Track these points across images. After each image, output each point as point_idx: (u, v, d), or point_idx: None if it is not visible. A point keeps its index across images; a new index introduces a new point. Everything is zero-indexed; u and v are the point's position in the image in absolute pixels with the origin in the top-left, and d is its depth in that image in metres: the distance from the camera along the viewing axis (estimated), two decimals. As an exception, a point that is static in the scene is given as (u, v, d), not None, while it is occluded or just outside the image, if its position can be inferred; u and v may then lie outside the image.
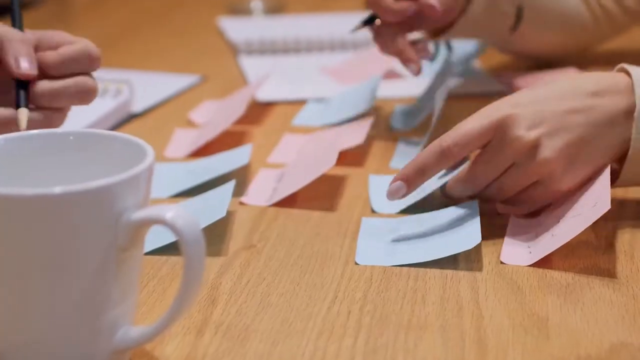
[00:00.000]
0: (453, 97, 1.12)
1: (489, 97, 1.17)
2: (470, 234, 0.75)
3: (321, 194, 0.89)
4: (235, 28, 1.54)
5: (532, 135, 0.77)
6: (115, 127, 1.09)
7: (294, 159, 0.94)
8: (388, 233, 0.79)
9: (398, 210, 0.84)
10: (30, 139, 0.62)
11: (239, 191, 0.89)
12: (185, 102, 1.19)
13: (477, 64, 1.30)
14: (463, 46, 1.29)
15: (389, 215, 0.84)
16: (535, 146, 0.77)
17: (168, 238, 0.75)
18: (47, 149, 0.62)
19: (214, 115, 1.11)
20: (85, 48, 0.81)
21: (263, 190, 0.89)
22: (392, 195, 0.80)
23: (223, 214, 0.77)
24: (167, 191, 0.89)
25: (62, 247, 0.54)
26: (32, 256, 0.54)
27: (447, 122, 1.08)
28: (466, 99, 1.16)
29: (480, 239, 0.74)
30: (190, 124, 1.11)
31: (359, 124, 0.95)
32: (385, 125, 1.09)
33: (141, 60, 1.41)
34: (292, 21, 1.58)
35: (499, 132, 0.78)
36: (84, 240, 0.54)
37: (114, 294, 0.57)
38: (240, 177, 0.92)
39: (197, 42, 1.54)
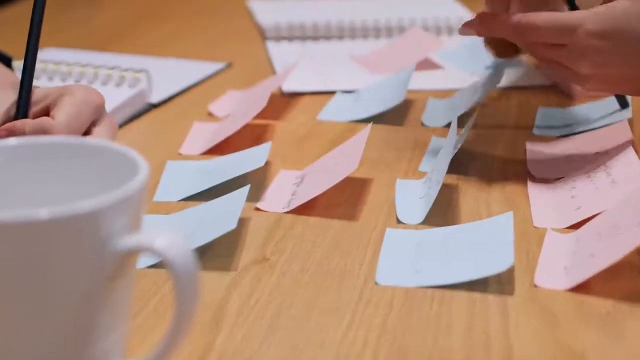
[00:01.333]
0: (494, 90, 1.05)
1: (532, 89, 1.12)
2: (502, 254, 0.69)
3: (343, 200, 0.82)
4: (264, 10, 1.48)
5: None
6: (131, 118, 1.03)
7: (316, 162, 0.88)
8: (413, 247, 0.73)
9: (423, 218, 0.77)
10: (12, 148, 0.57)
11: (255, 195, 0.83)
12: (207, 92, 1.13)
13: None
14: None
15: (415, 227, 0.77)
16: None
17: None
18: (29, 158, 0.56)
19: (234, 108, 1.04)
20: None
21: (281, 194, 0.83)
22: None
23: (233, 225, 0.71)
24: (178, 194, 0.84)
25: (40, 277, 0.48)
26: (8, 286, 0.48)
27: (485, 119, 1.02)
28: (508, 93, 1.09)
29: (513, 260, 0.68)
30: (210, 116, 1.05)
31: (352, 143, 0.86)
32: (416, 120, 1.03)
33: (164, 44, 1.35)
34: (324, 4, 1.51)
35: None
36: (65, 269, 0.49)
37: (101, 326, 0.51)
38: (259, 178, 0.86)
39: (224, 24, 1.48)
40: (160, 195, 0.84)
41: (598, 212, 0.75)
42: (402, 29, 1.33)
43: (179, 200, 0.83)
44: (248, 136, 0.97)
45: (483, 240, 0.72)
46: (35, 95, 0.77)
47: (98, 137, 0.74)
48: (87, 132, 0.75)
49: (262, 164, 0.84)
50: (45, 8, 0.81)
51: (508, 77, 1.14)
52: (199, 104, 1.08)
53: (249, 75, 1.19)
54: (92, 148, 0.56)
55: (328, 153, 0.88)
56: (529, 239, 0.75)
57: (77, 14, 1.54)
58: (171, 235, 0.49)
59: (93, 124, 0.76)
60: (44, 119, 0.73)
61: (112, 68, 1.08)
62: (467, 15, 1.35)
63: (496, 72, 1.01)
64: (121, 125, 1.01)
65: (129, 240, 0.49)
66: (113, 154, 0.54)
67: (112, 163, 0.54)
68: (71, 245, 0.48)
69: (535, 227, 0.77)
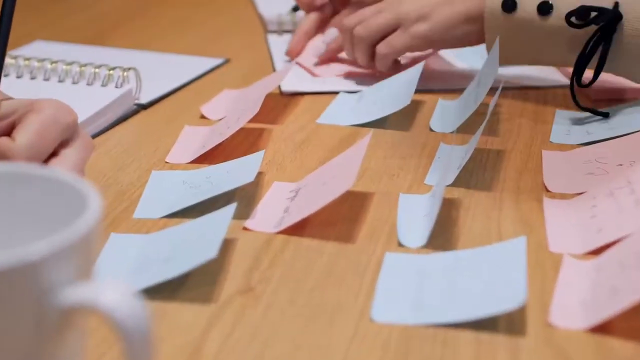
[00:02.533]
0: (506, 90, 0.97)
1: (549, 90, 1.04)
2: (514, 289, 0.61)
3: (340, 218, 0.75)
4: (267, 1, 1.40)
5: None
6: (118, 121, 0.96)
7: (312, 174, 0.80)
8: (414, 276, 0.66)
9: (426, 240, 0.70)
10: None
11: (245, 210, 0.76)
12: (201, 91, 1.06)
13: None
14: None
15: (417, 251, 0.70)
16: None
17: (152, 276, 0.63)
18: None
19: (228, 110, 0.97)
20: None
21: (273, 210, 0.76)
22: None
23: (213, 254, 0.64)
24: (160, 210, 0.76)
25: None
26: None
27: (498, 124, 0.94)
28: (524, 94, 1.02)
29: (526, 296, 0.60)
30: (203, 118, 0.98)
31: (351, 154, 0.78)
32: (424, 125, 0.95)
33: (162, 36, 1.29)
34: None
35: None
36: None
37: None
38: (250, 190, 0.79)
39: (226, 14, 1.41)
40: (141, 211, 0.77)
41: (621, 236, 0.68)
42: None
43: (161, 217, 0.76)
44: (242, 141, 0.90)
45: (493, 270, 0.65)
46: (3, 108, 0.69)
47: (65, 160, 0.67)
48: (55, 154, 0.68)
49: (252, 178, 0.76)
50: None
51: (523, 77, 1.07)
52: (192, 104, 1.01)
53: (248, 72, 1.12)
54: (36, 178, 0.48)
55: (325, 164, 0.80)
56: (544, 267, 0.67)
57: (73, 3, 1.46)
58: (121, 289, 0.41)
59: (62, 144, 0.68)
60: (3, 140, 0.66)
61: (99, 66, 1.01)
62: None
63: (489, 60, 0.93)
64: (106, 129, 0.94)
65: (70, 295, 0.42)
66: (60, 186, 0.47)
67: (58, 197, 0.46)
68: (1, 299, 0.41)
69: (551, 252, 0.69)
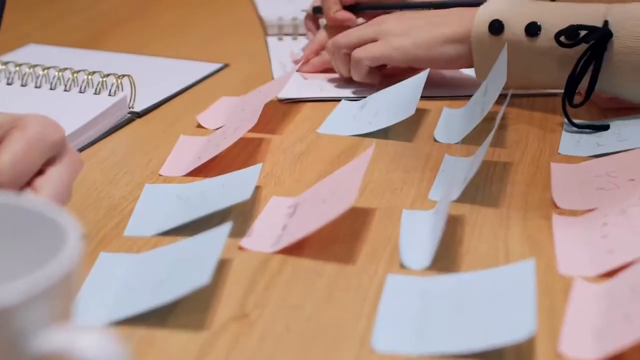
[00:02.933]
0: (513, 97, 0.94)
1: (558, 97, 1.01)
2: (522, 317, 0.58)
3: (340, 236, 0.72)
4: (267, 2, 1.37)
5: None
6: (111, 131, 0.93)
7: (311, 189, 0.77)
8: (417, 301, 0.63)
9: (430, 261, 0.67)
10: None
11: (241, 227, 0.73)
12: (198, 97, 1.03)
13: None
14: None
15: (422, 273, 0.67)
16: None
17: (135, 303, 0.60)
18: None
19: (225, 119, 0.94)
20: None
21: (270, 227, 0.73)
22: None
23: (206, 280, 0.61)
24: (153, 227, 0.73)
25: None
26: None
27: (504, 134, 0.91)
28: (532, 101, 0.99)
29: (535, 325, 0.57)
30: (199, 127, 0.94)
31: (352, 170, 0.75)
32: (428, 135, 0.92)
33: (160, 38, 1.26)
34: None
35: None
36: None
37: None
38: (247, 205, 0.75)
39: (225, 15, 1.38)
40: (132, 228, 0.74)
41: (633, 259, 0.65)
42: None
43: (153, 235, 0.72)
44: (239, 153, 0.87)
45: (500, 295, 0.61)
46: None
47: (51, 179, 0.63)
48: (41, 172, 0.64)
49: (248, 196, 0.73)
50: None
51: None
52: (189, 111, 0.98)
53: (247, 78, 1.09)
54: (11, 209, 0.45)
55: (325, 179, 0.77)
56: (553, 291, 0.64)
57: (69, 4, 1.43)
58: (100, 334, 0.38)
59: (49, 162, 0.65)
60: None
61: (92, 73, 0.97)
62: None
63: (497, 67, 0.90)
64: (99, 139, 0.90)
65: (45, 341, 0.38)
66: (38, 218, 0.43)
67: (36, 231, 0.43)
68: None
69: (560, 274, 0.66)
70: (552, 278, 0.66)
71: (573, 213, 0.75)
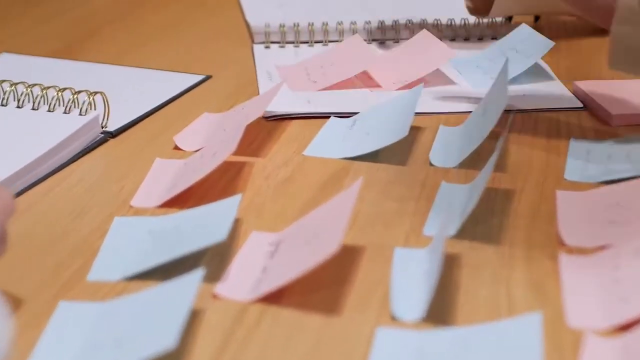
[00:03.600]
0: (519, 113, 0.88)
1: (562, 113, 0.94)
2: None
3: (326, 280, 0.65)
4: (256, 5, 1.29)
5: None
6: (82, 153, 0.86)
7: (295, 224, 0.70)
8: (410, 358, 0.56)
9: (424, 311, 0.60)
10: None
11: (216, 270, 0.66)
12: (178, 114, 0.96)
13: (544, 67, 1.05)
14: (525, 39, 1.03)
15: (415, 325, 0.60)
16: None
17: None
18: None
19: (205, 140, 0.87)
20: None
21: (249, 270, 0.66)
22: None
23: (171, 344, 0.54)
24: (120, 270, 0.67)
25: None
26: None
27: (505, 157, 0.84)
28: (534, 117, 0.92)
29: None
30: (177, 149, 0.88)
31: (337, 205, 0.68)
32: (423, 158, 0.85)
33: (137, 46, 1.18)
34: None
35: None
36: None
37: None
38: (223, 245, 0.68)
39: (211, 21, 1.30)
40: (97, 272, 0.67)
41: (652, 309, 0.58)
42: (412, 31, 1.15)
43: (121, 280, 0.66)
44: (218, 179, 0.80)
45: (503, 354, 0.55)
46: None
47: None
48: None
49: (223, 236, 0.66)
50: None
51: (534, 98, 0.96)
52: (167, 130, 0.91)
53: (232, 91, 1.02)
54: None
55: (310, 214, 0.70)
56: (562, 347, 0.58)
57: (46, 9, 1.36)
58: None
59: None
60: None
61: (63, 89, 0.90)
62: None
63: (497, 84, 0.83)
64: (68, 163, 0.84)
65: None
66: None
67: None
68: None
69: (569, 327, 0.59)
70: (561, 331, 0.59)
71: (582, 251, 0.68)
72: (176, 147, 0.88)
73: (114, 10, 1.34)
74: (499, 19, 1.17)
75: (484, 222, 0.73)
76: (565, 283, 0.64)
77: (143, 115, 0.94)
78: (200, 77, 1.04)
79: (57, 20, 1.30)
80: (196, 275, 0.60)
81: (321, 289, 0.64)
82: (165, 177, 0.81)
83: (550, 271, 0.66)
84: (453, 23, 1.16)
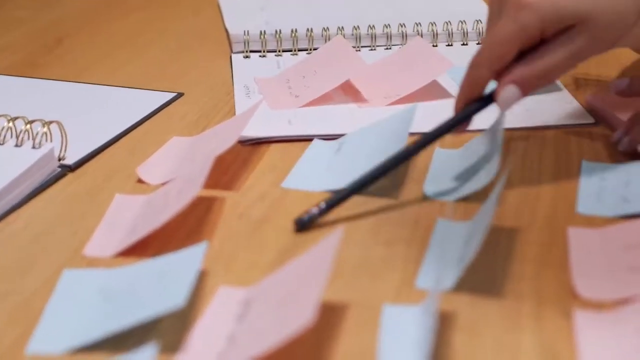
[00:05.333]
0: (520, 132, 0.81)
1: (571, 130, 0.85)
2: None
3: (304, 351, 0.56)
4: (237, 8, 1.20)
5: None
6: (36, 191, 0.76)
7: (268, 280, 0.61)
8: None
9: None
10: None
11: (175, 340, 0.56)
12: (144, 139, 0.87)
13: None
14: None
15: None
16: None
17: None
18: None
19: (171, 172, 0.78)
20: None
21: (212, 341, 0.57)
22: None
23: None
24: (64, 340, 0.58)
25: None
26: None
27: (511, 183, 0.74)
28: (541, 135, 0.82)
29: None
30: (140, 182, 0.78)
31: (313, 264, 0.58)
32: (416, 189, 0.75)
33: (104, 57, 1.09)
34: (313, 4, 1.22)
35: None
36: None
37: None
38: (185, 307, 0.59)
39: (187, 26, 1.20)
40: (37, 343, 0.58)
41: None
42: (405, 36, 1.06)
43: (65, 353, 0.57)
44: (185, 218, 0.71)
45: None
46: None
47: None
48: None
49: (181, 302, 0.57)
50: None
51: (539, 113, 0.87)
52: (131, 159, 0.82)
53: (206, 111, 0.93)
54: None
55: (285, 266, 0.61)
56: None
57: (6, 18, 1.26)
58: None
59: None
60: None
61: (15, 118, 0.81)
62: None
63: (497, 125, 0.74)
64: (17, 205, 0.74)
65: None
66: None
67: None
68: None
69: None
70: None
71: (599, 306, 0.59)
72: (140, 180, 0.78)
73: (79, 19, 1.23)
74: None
75: (486, 270, 0.63)
76: (582, 348, 0.55)
77: (106, 143, 0.84)
78: (171, 95, 0.94)
79: (15, 31, 1.20)
80: (148, 351, 0.51)
81: (298, 361, 0.55)
82: (124, 218, 0.71)
83: (564, 333, 0.57)
84: (449, 28, 1.06)
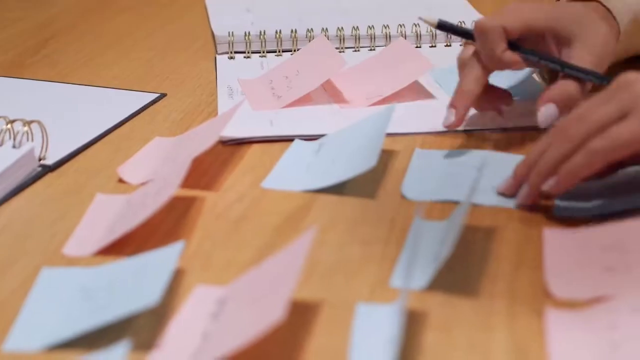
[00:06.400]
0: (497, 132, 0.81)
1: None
2: None
3: (279, 346, 0.56)
4: (223, 9, 1.20)
5: None
6: (16, 190, 0.77)
7: (243, 279, 0.61)
8: None
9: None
10: None
11: (150, 337, 0.57)
12: (126, 139, 0.88)
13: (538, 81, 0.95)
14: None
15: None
16: None
17: None
18: None
19: (152, 172, 0.78)
20: None
21: (187, 338, 0.57)
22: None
23: None
24: (42, 337, 0.58)
25: None
26: None
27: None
28: (513, 137, 0.83)
29: None
30: (121, 182, 0.79)
31: (285, 262, 0.59)
32: (394, 189, 0.76)
33: (90, 57, 1.10)
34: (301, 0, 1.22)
35: None
36: None
37: None
38: (161, 303, 0.59)
39: (173, 27, 1.21)
40: (15, 340, 0.58)
41: None
42: (389, 37, 1.06)
43: (40, 350, 0.57)
44: (164, 218, 0.72)
45: None
46: None
47: None
48: None
49: (156, 299, 0.57)
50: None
51: (519, 114, 0.87)
52: (112, 159, 0.83)
53: (189, 112, 0.93)
54: None
55: (260, 265, 0.61)
56: None
57: (2, 15, 1.27)
58: None
59: None
60: None
61: (-5, 118, 0.81)
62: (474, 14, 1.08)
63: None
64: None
65: None
66: None
67: None
68: None
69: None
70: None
71: (572, 305, 0.59)
72: (121, 180, 0.78)
73: (67, 20, 1.24)
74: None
75: (461, 269, 0.64)
76: (552, 346, 0.55)
77: (87, 143, 0.85)
78: (154, 96, 0.95)
79: (9, 29, 1.20)
80: (121, 348, 0.52)
81: (273, 356, 0.55)
82: (104, 218, 0.72)
83: (536, 331, 0.57)
84: (433, 29, 1.06)
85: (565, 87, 0.78)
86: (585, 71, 0.78)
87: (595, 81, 0.79)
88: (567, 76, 0.78)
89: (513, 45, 0.81)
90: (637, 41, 0.88)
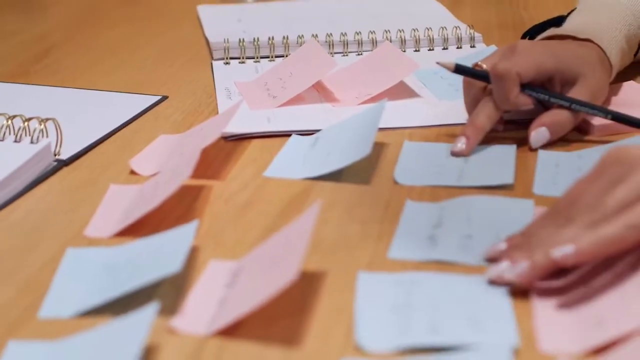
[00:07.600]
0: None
1: (528, 123, 0.91)
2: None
3: (286, 311, 0.63)
4: (215, 20, 1.26)
5: None
6: (34, 183, 0.82)
7: (254, 252, 0.67)
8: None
9: (397, 347, 0.57)
10: None
11: (172, 304, 0.63)
12: (134, 137, 0.93)
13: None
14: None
15: (381, 356, 0.57)
16: None
17: None
18: None
19: (161, 164, 0.84)
20: None
21: (206, 303, 0.63)
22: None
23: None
24: (73, 306, 0.64)
25: None
26: None
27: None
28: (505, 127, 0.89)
29: None
30: (133, 174, 0.85)
31: (295, 232, 0.65)
32: (387, 176, 0.82)
33: (92, 64, 1.15)
34: (290, 10, 1.29)
35: None
36: None
37: None
38: (180, 276, 0.65)
39: (169, 36, 1.27)
40: (48, 308, 0.64)
41: (627, 331, 0.56)
42: (375, 42, 1.13)
43: (71, 316, 0.63)
44: (175, 204, 0.78)
45: None
46: None
47: None
48: None
49: (177, 268, 0.63)
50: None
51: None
52: (122, 154, 0.88)
53: (190, 112, 0.99)
54: None
55: (269, 240, 0.68)
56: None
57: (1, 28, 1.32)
58: None
59: None
60: None
61: (13, 117, 0.87)
62: (453, 21, 1.15)
63: None
64: (19, 195, 0.80)
65: None
66: None
67: None
68: None
69: (541, 352, 0.57)
70: (532, 356, 0.56)
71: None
72: (132, 172, 0.84)
73: (68, 29, 1.30)
74: (463, 28, 1.15)
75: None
76: (537, 309, 0.61)
77: (98, 140, 0.91)
78: (156, 98, 1.01)
79: (9, 41, 1.26)
80: (150, 310, 0.57)
81: (282, 319, 0.62)
82: (119, 205, 0.78)
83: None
84: (417, 34, 1.13)
85: (558, 114, 0.86)
86: (591, 106, 0.86)
87: (601, 115, 0.86)
88: (560, 106, 0.86)
89: (525, 84, 0.86)
90: (626, 61, 0.97)
